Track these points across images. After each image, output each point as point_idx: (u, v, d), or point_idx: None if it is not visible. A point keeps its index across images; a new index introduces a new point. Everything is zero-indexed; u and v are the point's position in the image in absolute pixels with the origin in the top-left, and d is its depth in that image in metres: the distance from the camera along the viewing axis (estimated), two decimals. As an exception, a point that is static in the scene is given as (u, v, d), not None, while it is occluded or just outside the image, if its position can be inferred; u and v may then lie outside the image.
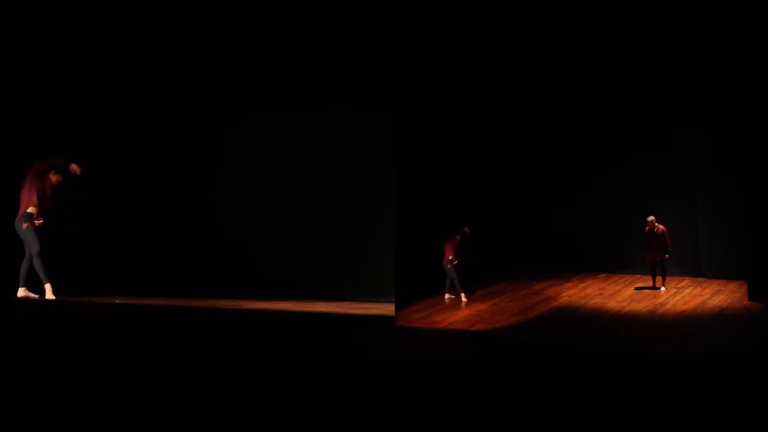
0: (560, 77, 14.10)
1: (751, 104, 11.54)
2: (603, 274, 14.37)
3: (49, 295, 10.58)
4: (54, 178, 10.75)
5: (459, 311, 11.35)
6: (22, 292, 10.64)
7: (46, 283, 10.61)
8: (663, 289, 12.93)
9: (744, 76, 11.58)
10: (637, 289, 13.15)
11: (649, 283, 13.15)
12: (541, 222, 14.76)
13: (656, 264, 13.01)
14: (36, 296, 10.62)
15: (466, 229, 12.21)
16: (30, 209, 10.63)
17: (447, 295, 12.05)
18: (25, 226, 10.64)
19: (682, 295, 12.56)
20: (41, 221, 10.67)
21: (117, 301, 10.65)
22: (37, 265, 10.61)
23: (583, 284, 13.58)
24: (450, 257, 11.90)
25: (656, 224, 12.87)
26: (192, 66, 10.93)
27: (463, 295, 11.93)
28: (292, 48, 10.82)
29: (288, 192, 11.74)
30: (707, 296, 12.48)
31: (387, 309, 10.54)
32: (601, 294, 12.78)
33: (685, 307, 11.68)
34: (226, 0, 10.62)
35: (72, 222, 11.15)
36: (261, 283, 11.47)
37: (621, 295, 12.68)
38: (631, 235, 13.86)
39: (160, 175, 11.84)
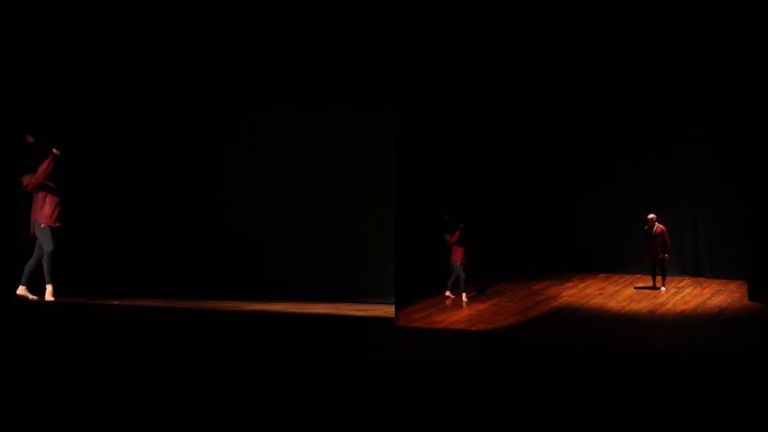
0: (559, 77, 14.08)
1: (751, 104, 11.54)
2: (603, 274, 14.36)
3: (49, 296, 10.57)
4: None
5: (459, 311, 11.35)
6: (21, 290, 10.63)
7: (48, 283, 10.59)
8: (663, 289, 12.92)
9: (744, 75, 11.58)
10: (637, 289, 13.15)
11: (649, 283, 13.15)
12: (541, 222, 14.75)
13: (656, 264, 13.01)
14: (35, 297, 10.60)
15: (445, 216, 12.10)
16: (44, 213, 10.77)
17: (448, 293, 12.04)
18: (43, 225, 10.68)
19: (682, 295, 12.56)
20: (60, 222, 10.73)
21: (115, 303, 10.64)
22: (46, 264, 10.61)
23: (583, 284, 13.58)
24: (460, 256, 11.92)
25: (656, 223, 12.87)
26: (192, 66, 10.92)
27: (464, 294, 11.92)
28: (292, 48, 10.82)
29: (287, 193, 11.71)
30: (707, 296, 12.47)
31: (386, 310, 10.53)
32: (601, 294, 12.77)
33: (685, 307, 11.68)
34: (226, 0, 10.61)
35: (72, 223, 11.14)
36: (259, 284, 11.43)
37: (621, 295, 12.67)
38: (631, 235, 13.86)
39: (160, 176, 11.83)
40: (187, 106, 11.33)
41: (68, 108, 11.27)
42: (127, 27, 10.73)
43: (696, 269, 14.09)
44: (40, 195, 10.86)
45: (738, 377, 7.73)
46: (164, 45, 10.81)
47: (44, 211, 10.76)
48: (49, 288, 10.59)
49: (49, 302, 10.54)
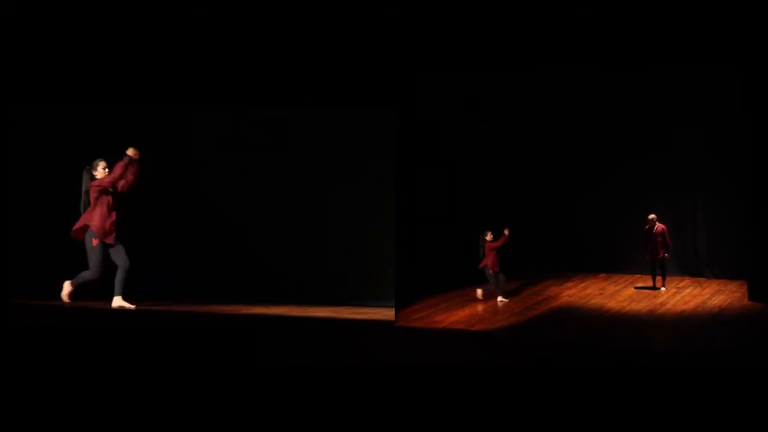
0: (559, 78, 14.08)
1: (751, 104, 11.54)
2: (603, 274, 14.37)
3: (66, 298, 10.33)
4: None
5: (459, 311, 11.35)
6: (117, 301, 10.26)
7: (67, 292, 10.30)
8: (663, 289, 12.93)
9: (743, 75, 11.58)
10: (637, 289, 13.16)
11: (649, 283, 13.16)
12: (541, 222, 14.76)
13: (656, 264, 13.01)
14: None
15: (506, 231, 12.11)
16: (93, 226, 10.27)
17: (500, 298, 12.02)
18: (95, 242, 10.26)
19: (682, 295, 12.56)
20: (110, 239, 10.30)
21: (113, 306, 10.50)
22: (84, 278, 10.22)
23: (583, 284, 13.59)
24: (489, 263, 11.96)
25: (656, 223, 12.88)
26: (192, 66, 10.90)
27: (480, 291, 11.93)
28: (291, 48, 10.81)
29: (286, 193, 11.64)
30: (707, 296, 12.48)
31: (386, 313, 10.49)
32: (601, 294, 12.78)
33: (685, 307, 11.68)
34: (227, 1, 10.60)
35: (69, 223, 11.07)
36: (258, 287, 11.33)
37: (621, 295, 12.68)
38: (631, 235, 13.87)
39: (159, 177, 11.74)
40: (186, 106, 11.30)
41: (68, 108, 11.23)
42: (127, 27, 10.73)
43: (696, 269, 14.10)
44: (102, 200, 10.34)
45: (738, 377, 7.73)
46: (164, 45, 10.80)
47: (94, 221, 10.25)
48: (68, 293, 10.32)
49: (64, 304, 10.35)
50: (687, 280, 13.77)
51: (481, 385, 7.63)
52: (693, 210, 14.12)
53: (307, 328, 10.01)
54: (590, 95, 14.39)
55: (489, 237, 12.03)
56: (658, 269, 13.02)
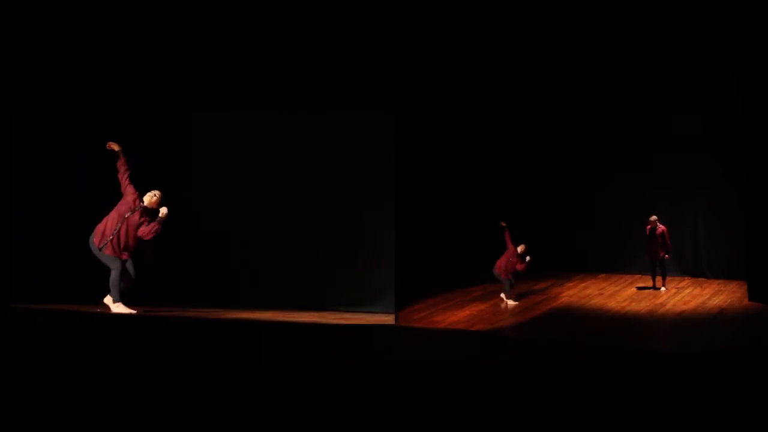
0: (559, 79, 14.10)
1: (752, 103, 11.55)
2: (603, 274, 14.37)
3: (114, 308, 10.21)
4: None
5: (459, 311, 11.35)
6: (120, 307, 10.12)
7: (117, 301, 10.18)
8: (663, 289, 12.94)
9: (744, 75, 11.59)
10: (638, 289, 13.16)
11: (649, 283, 13.16)
12: (541, 222, 14.75)
13: (656, 264, 13.02)
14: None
15: (520, 248, 12.16)
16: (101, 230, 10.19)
17: (503, 295, 12.05)
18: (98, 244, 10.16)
19: (682, 295, 12.56)
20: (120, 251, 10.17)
21: (98, 310, 10.35)
22: (113, 280, 10.11)
23: (583, 284, 13.59)
24: (501, 268, 12.02)
25: (657, 224, 12.89)
26: (190, 65, 10.87)
27: (510, 302, 11.95)
28: (291, 48, 10.81)
29: (286, 195, 11.45)
30: (707, 296, 12.48)
31: (386, 317, 10.43)
32: (601, 294, 12.78)
33: (685, 307, 11.69)
34: (232, 3, 10.59)
35: (68, 225, 11.01)
36: (255, 291, 11.12)
37: (621, 295, 12.68)
38: (631, 235, 13.89)
39: (160, 178, 11.65)
40: (184, 105, 11.24)
41: (68, 108, 11.19)
42: (125, 27, 10.71)
43: (696, 269, 14.11)
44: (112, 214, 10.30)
45: (738, 377, 7.72)
46: (163, 44, 10.78)
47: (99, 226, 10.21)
48: (111, 302, 10.25)
49: (51, 308, 10.28)
50: (687, 280, 13.78)
51: (481, 385, 7.62)
52: (693, 210, 14.14)
53: (307, 330, 9.98)
54: (591, 97, 14.41)
55: (521, 249, 12.08)
56: (658, 269, 13.02)
